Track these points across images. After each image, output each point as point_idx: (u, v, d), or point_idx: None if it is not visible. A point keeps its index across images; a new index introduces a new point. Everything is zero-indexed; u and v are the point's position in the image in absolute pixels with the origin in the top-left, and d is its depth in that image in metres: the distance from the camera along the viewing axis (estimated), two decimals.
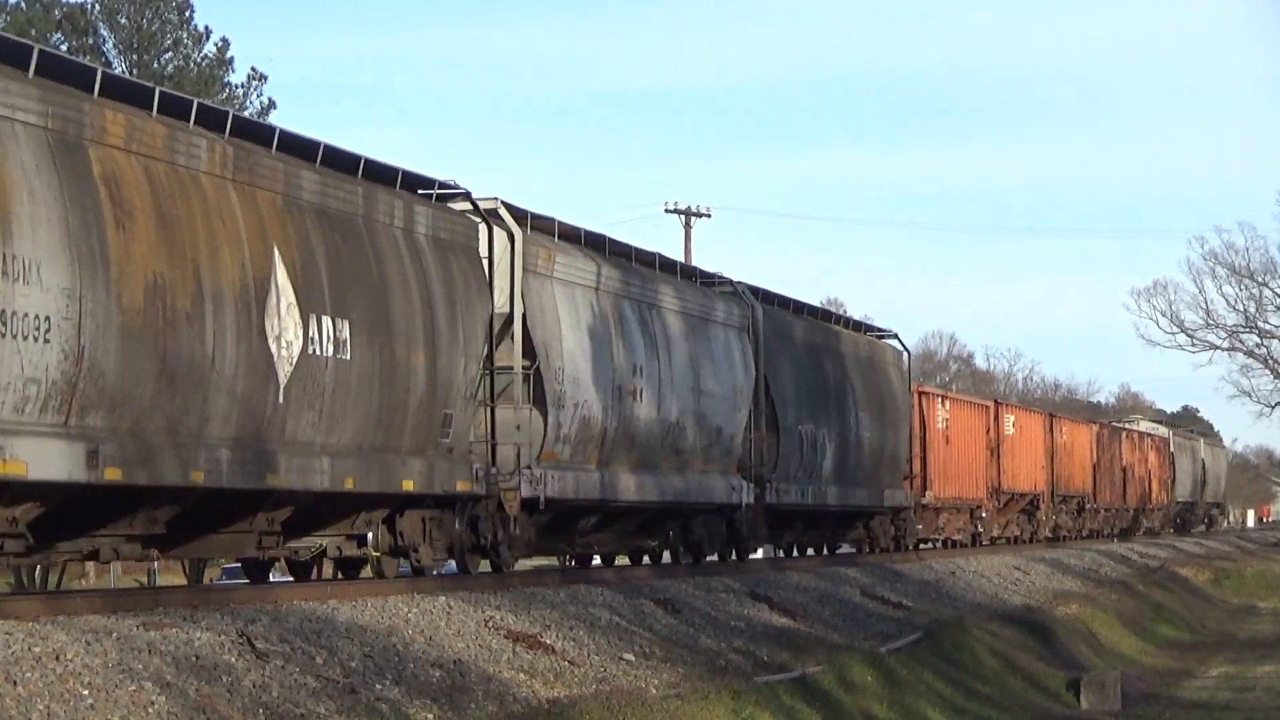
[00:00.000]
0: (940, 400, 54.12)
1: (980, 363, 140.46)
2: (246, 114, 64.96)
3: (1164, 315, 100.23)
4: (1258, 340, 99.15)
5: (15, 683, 14.98)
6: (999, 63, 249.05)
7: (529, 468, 27.15)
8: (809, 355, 40.81)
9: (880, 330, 49.11)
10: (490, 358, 26.50)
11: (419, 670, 19.44)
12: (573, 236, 30.33)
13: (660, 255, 33.88)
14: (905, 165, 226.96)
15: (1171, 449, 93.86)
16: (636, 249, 32.85)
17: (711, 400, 33.77)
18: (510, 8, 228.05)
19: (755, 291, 38.25)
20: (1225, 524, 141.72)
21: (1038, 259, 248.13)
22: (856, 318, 50.60)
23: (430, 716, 18.08)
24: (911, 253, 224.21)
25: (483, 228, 26.72)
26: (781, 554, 44.54)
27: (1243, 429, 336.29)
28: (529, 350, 27.44)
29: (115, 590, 20.43)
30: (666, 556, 35.23)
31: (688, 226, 73.38)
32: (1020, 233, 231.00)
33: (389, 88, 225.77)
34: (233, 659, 17.47)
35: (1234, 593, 67.04)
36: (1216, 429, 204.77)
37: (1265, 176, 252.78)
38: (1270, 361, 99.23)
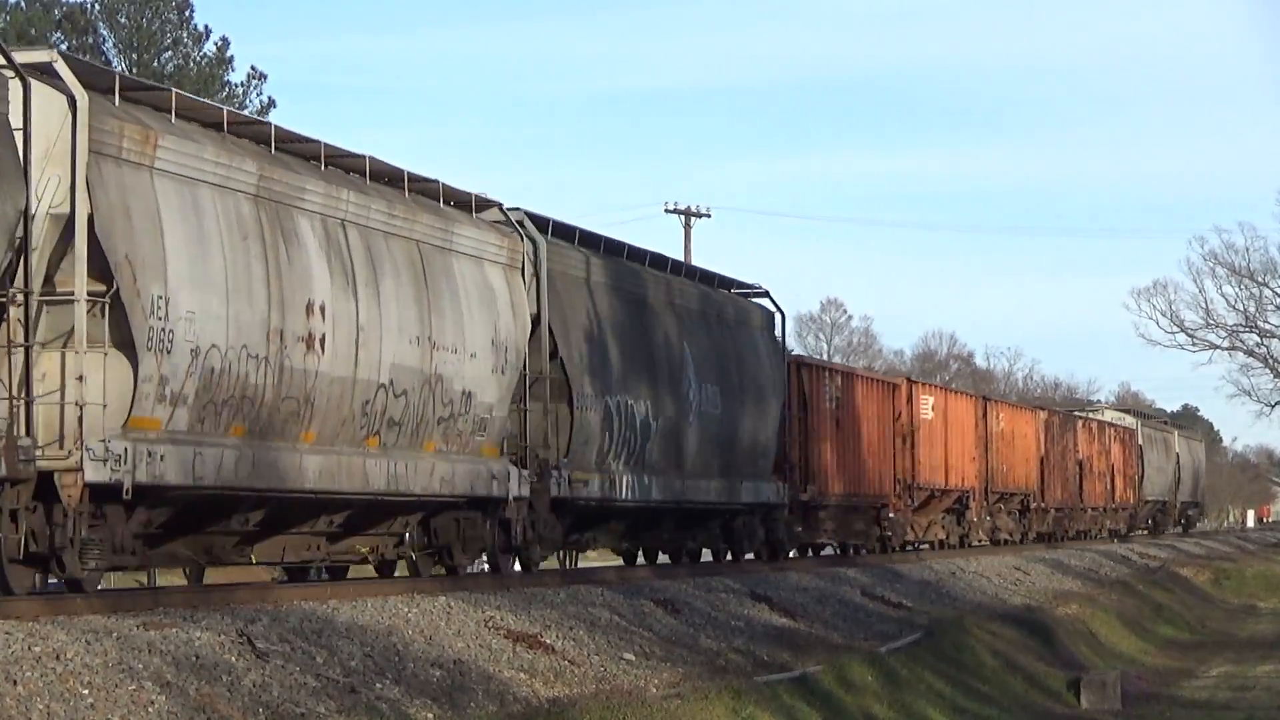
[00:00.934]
0: (826, 375, 44.49)
1: (980, 362, 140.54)
2: (246, 113, 65.13)
3: (1164, 315, 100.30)
4: (1258, 340, 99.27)
5: (15, 682, 14.98)
6: (999, 63, 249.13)
7: (105, 440, 19.41)
8: (625, 309, 31.94)
9: (745, 286, 39.37)
10: (27, 277, 19.21)
11: (419, 670, 19.44)
12: (209, 120, 22.50)
13: (373, 159, 25.09)
14: (905, 165, 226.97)
15: (1140, 441, 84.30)
16: (332, 147, 24.42)
17: (451, 357, 25.87)
18: (510, 8, 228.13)
19: (540, 221, 29.49)
20: (1206, 524, 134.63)
21: (1038, 259, 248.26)
22: (717, 272, 38.94)
23: (430, 716, 18.08)
24: (911, 253, 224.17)
25: (15, 85, 19.29)
26: (609, 563, 36.92)
27: (1243, 429, 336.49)
28: (103, 270, 19.68)
29: (115, 590, 20.37)
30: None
31: (688, 226, 73.43)
32: (1020, 233, 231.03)
33: (389, 88, 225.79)
34: (233, 659, 17.47)
35: (1234, 593, 67.02)
36: (1218, 428, 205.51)
37: (1265, 176, 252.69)
38: (1270, 361, 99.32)
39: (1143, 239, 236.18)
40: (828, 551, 46.01)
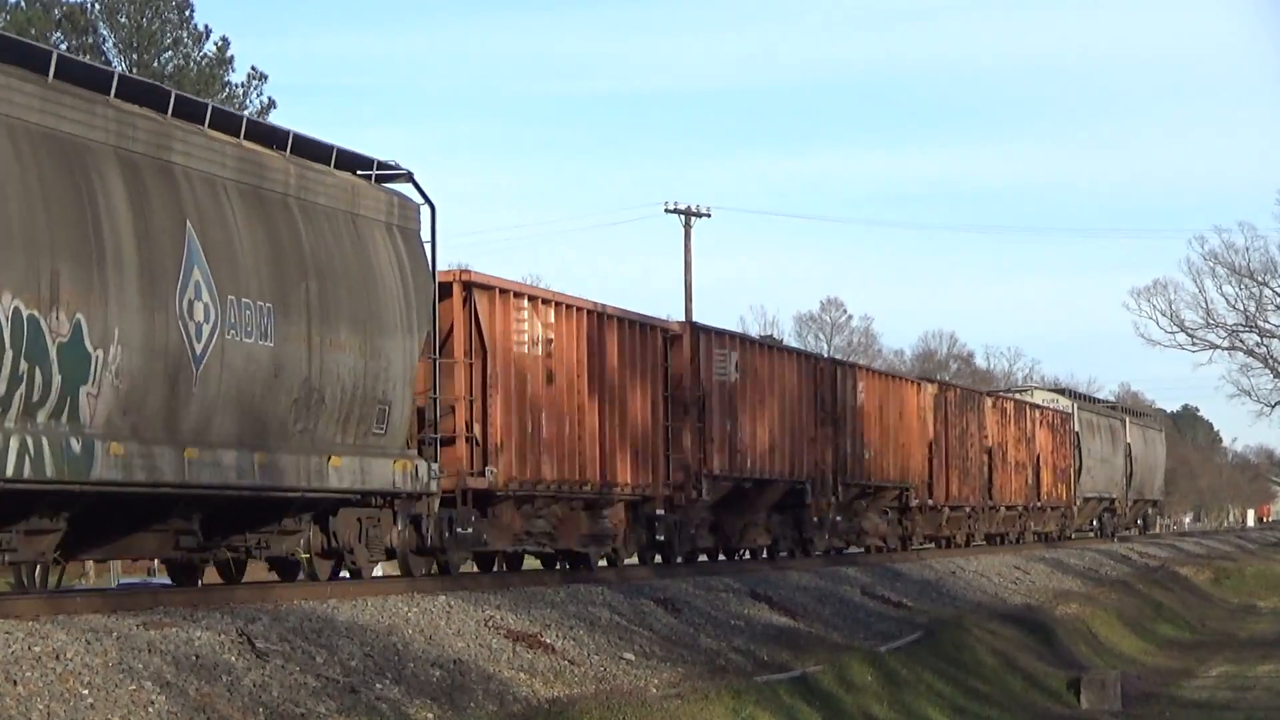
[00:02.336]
0: (523, 304, 29.03)
1: (980, 362, 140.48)
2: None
3: (1164, 315, 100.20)
4: (1258, 339, 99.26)
5: (15, 682, 14.98)
6: (999, 63, 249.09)
7: None
8: (55, 164, 19.06)
9: (360, 160, 25.18)
10: None
11: (419, 670, 19.44)
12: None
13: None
14: (905, 165, 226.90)
15: (1076, 427, 70.89)
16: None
17: None
18: (510, 8, 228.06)
19: None
20: (1169, 526, 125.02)
21: (1038, 259, 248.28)
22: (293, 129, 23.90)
23: (430, 716, 18.08)
24: (911, 253, 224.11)
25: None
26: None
27: (1243, 429, 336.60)
28: None
29: (115, 590, 20.37)
30: None
31: (688, 226, 73.43)
32: (1020, 233, 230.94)
33: (389, 87, 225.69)
34: (233, 658, 17.47)
35: (1234, 592, 67.02)
36: (1218, 428, 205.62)
37: (1265, 176, 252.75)
38: (1270, 361, 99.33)
39: (1143, 239, 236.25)
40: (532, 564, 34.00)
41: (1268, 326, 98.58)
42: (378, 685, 18.39)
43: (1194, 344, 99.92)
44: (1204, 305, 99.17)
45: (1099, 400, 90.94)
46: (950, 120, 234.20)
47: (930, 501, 50.35)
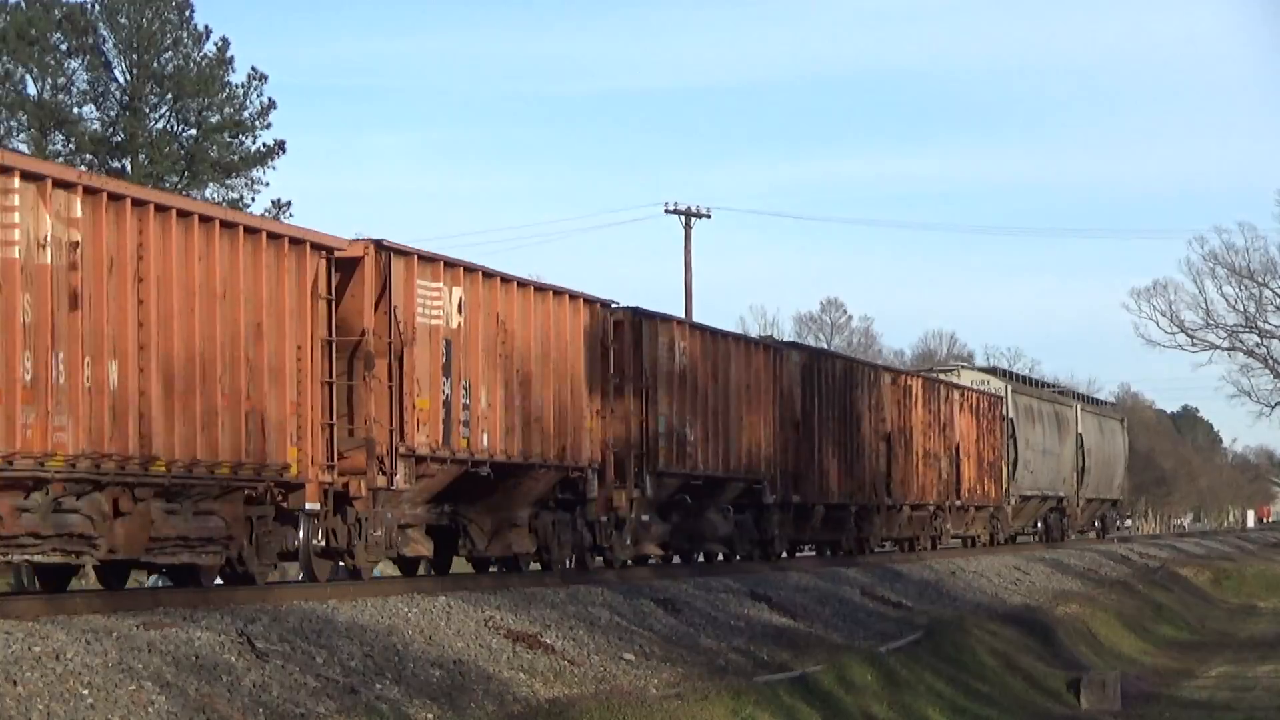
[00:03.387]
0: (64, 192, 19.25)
1: (980, 362, 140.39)
2: (246, 115, 65.32)
3: (1164, 315, 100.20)
4: (1258, 340, 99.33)
5: (15, 683, 14.99)
6: (999, 63, 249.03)
7: None
8: None
9: None
10: None
11: (419, 670, 19.44)
12: None
13: None
14: (905, 165, 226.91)
15: (1010, 413, 59.56)
16: None
17: None
18: (511, 8, 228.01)
19: None
20: (1131, 528, 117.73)
21: (1038, 259, 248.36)
22: None
23: (430, 716, 18.08)
24: (911, 253, 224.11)
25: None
26: None
27: (1243, 429, 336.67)
28: None
29: (115, 590, 20.37)
30: None
31: (688, 226, 73.41)
32: (1020, 233, 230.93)
33: (389, 88, 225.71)
34: (233, 659, 17.47)
35: (1234, 593, 67.03)
36: (1217, 428, 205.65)
37: (1265, 176, 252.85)
38: (1270, 361, 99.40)
39: (1143, 239, 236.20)
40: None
41: (1268, 327, 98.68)
42: (378, 685, 18.39)
43: (1194, 344, 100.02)
44: (1204, 306, 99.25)
45: (1044, 384, 77.95)
46: (951, 120, 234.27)
47: (795, 498, 39.14)
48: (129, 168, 61.07)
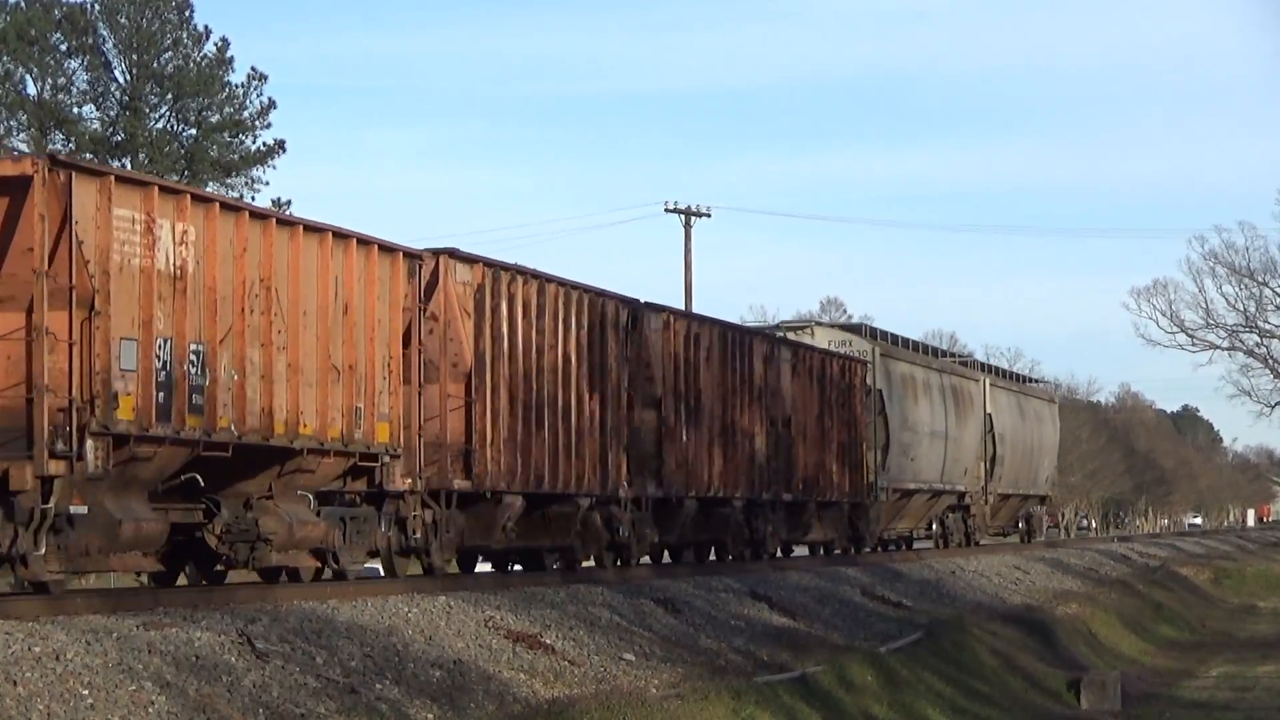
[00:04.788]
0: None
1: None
2: (246, 114, 65.31)
3: (1164, 315, 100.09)
4: (1258, 340, 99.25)
5: (15, 683, 14.98)
6: (1000, 64, 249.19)
7: None
8: None
9: None
10: None
11: (419, 670, 19.44)
12: None
13: None
14: (905, 165, 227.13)
15: (875, 382, 46.39)
16: None
17: None
18: (511, 9, 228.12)
19: None
20: (1059, 531, 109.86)
21: (1038, 259, 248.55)
22: None
23: (430, 716, 18.08)
24: (911, 253, 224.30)
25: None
26: None
27: (1243, 429, 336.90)
28: None
29: (115, 590, 20.36)
30: None
31: (688, 226, 73.45)
32: (1020, 233, 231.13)
33: (389, 88, 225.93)
34: (233, 659, 17.47)
35: (1234, 592, 67.04)
36: (1218, 428, 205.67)
37: (1265, 176, 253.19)
38: (1270, 361, 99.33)
39: (1143, 239, 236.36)
40: None
41: (1268, 326, 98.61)
42: (378, 685, 18.39)
43: (1194, 344, 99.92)
44: (1204, 305, 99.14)
45: (943, 352, 61.62)
46: (951, 121, 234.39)
47: (467, 485, 26.57)
48: (128, 167, 61.22)
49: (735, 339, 36.90)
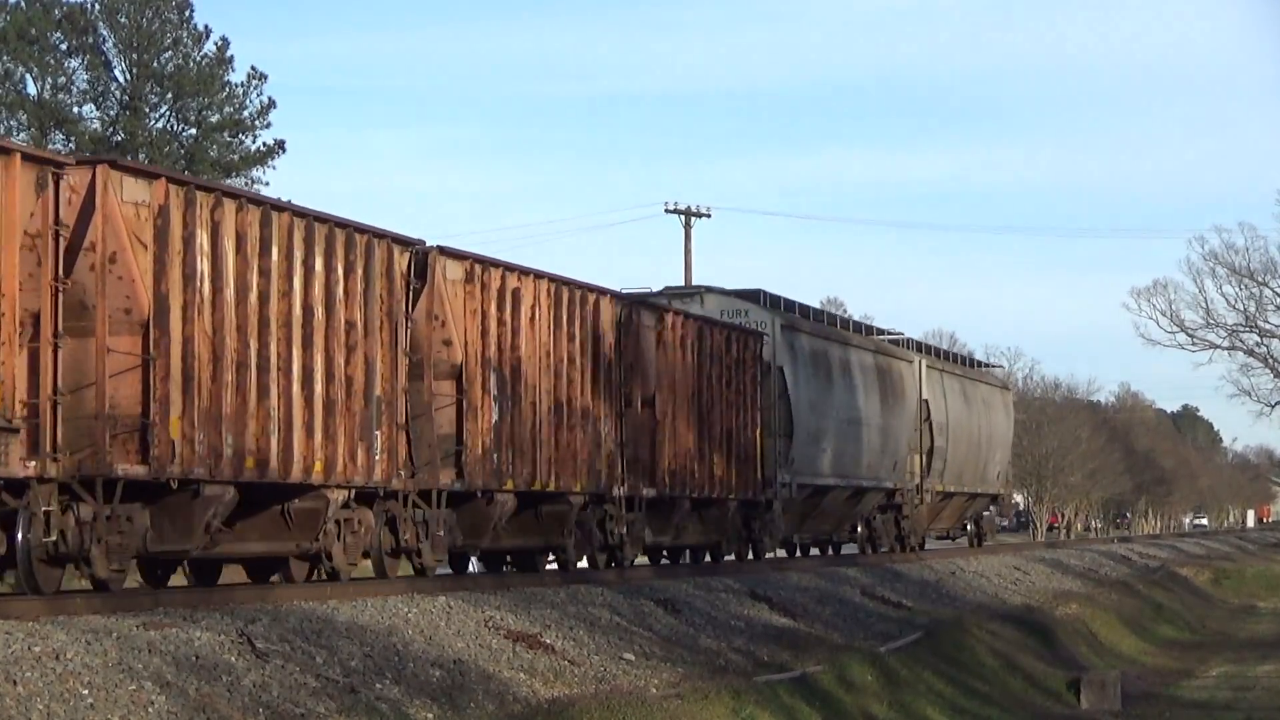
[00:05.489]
0: None
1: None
2: (246, 114, 65.28)
3: (1164, 315, 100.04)
4: (1258, 339, 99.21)
5: (15, 683, 14.98)
6: (1000, 64, 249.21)
7: None
8: None
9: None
10: None
11: (419, 670, 19.45)
12: None
13: None
14: (905, 165, 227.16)
15: (774, 358, 39.13)
16: None
17: None
18: (512, 10, 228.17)
19: None
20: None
21: (1038, 259, 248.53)
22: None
23: (430, 716, 18.08)
24: (911, 253, 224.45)
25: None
26: None
27: (1243, 429, 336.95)
28: None
29: (115, 590, 20.37)
30: None
31: (688, 226, 73.45)
32: (1020, 233, 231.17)
33: (390, 88, 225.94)
34: (233, 659, 17.48)
35: (1234, 593, 67.06)
36: (1218, 428, 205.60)
37: (1265, 176, 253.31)
38: (1270, 361, 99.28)
39: (1143, 239, 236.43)
40: None
41: (1268, 326, 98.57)
42: (378, 685, 18.39)
43: (1194, 344, 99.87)
44: (1204, 305, 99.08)
45: (869, 328, 52.67)
46: (951, 121, 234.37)
47: (142, 471, 20.20)
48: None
49: (574, 298, 29.69)
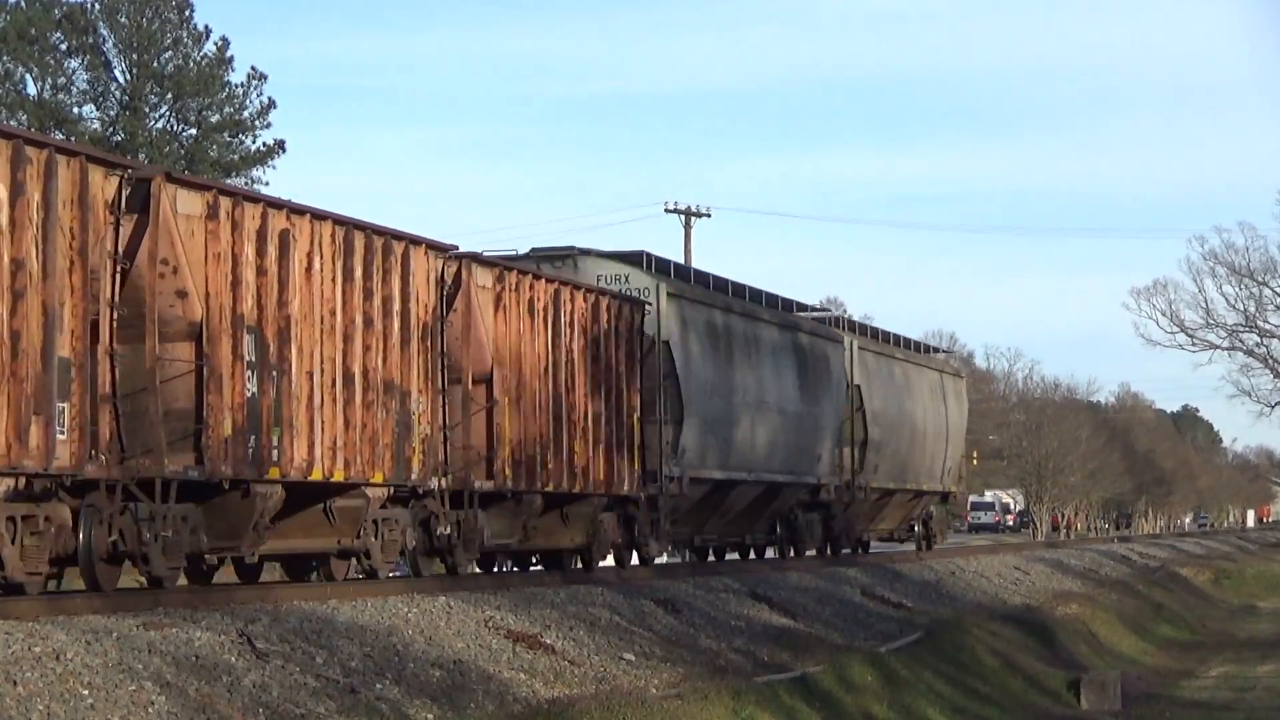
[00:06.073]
0: None
1: (980, 362, 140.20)
2: (246, 114, 65.27)
3: (1164, 315, 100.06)
4: (1258, 340, 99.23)
5: (15, 683, 14.98)
6: (999, 64, 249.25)
7: None
8: None
9: None
10: None
11: (419, 670, 19.44)
12: None
13: None
14: (905, 165, 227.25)
15: (663, 332, 33.58)
16: None
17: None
18: (511, 9, 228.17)
19: None
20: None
21: (1038, 259, 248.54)
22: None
23: (430, 716, 18.08)
24: (912, 253, 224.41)
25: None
26: None
27: (1243, 429, 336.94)
28: None
29: (115, 590, 20.35)
30: None
31: (688, 226, 73.44)
32: (1020, 233, 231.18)
33: (391, 88, 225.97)
34: (233, 659, 17.47)
35: (1234, 593, 67.06)
36: (1218, 428, 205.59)
37: (1265, 176, 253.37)
38: (1270, 361, 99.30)
39: (1143, 239, 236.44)
40: None
41: (1268, 326, 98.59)
42: (378, 685, 18.38)
43: (1194, 344, 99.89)
44: (1204, 305, 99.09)
45: (789, 304, 42.48)
46: (951, 121, 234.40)
47: None
48: None
49: (372, 246, 24.33)
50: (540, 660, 21.68)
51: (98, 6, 64.45)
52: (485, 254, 29.05)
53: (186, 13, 65.13)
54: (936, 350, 59.75)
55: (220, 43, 65.32)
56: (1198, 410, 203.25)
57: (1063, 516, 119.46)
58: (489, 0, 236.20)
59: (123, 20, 64.28)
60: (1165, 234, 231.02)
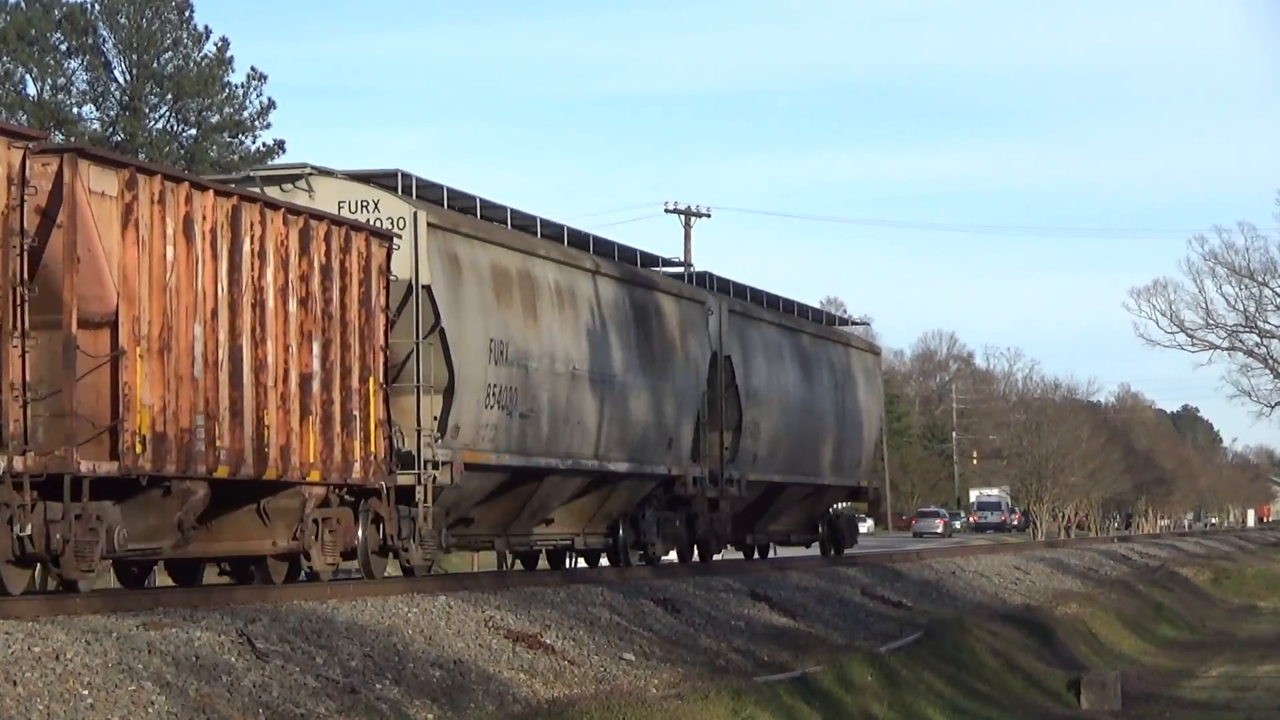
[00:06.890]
0: None
1: (980, 362, 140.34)
2: (246, 115, 65.28)
3: (1164, 315, 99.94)
4: (1258, 340, 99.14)
5: (15, 683, 14.98)
6: (999, 65, 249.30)
7: None
8: None
9: None
10: None
11: (419, 670, 19.44)
12: None
13: None
14: (905, 165, 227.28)
15: (422, 275, 26.23)
16: None
17: None
18: (511, 9, 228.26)
19: None
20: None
21: (1038, 259, 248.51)
22: None
23: (430, 716, 18.08)
24: (911, 253, 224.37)
25: None
26: None
27: (1243, 429, 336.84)
28: None
29: (115, 590, 20.34)
30: None
31: (688, 226, 73.47)
32: (1020, 233, 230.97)
33: (391, 88, 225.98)
34: (233, 659, 17.47)
35: (1234, 592, 67.03)
36: (1218, 428, 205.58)
37: (1265, 176, 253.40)
38: (1270, 361, 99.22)
39: (1143, 239, 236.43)
40: None
41: (1268, 326, 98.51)
42: (378, 685, 18.38)
43: (1194, 344, 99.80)
44: (1204, 305, 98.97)
45: (634, 254, 34.55)
46: (951, 121, 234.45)
47: None
48: None
49: None
50: (540, 660, 21.68)
51: (98, 7, 64.49)
52: (109, 152, 21.67)
53: (186, 13, 65.21)
54: (845, 322, 50.09)
55: (220, 43, 65.40)
56: (1198, 410, 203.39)
57: (1062, 516, 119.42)
58: (489, 0, 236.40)
59: (123, 21, 64.32)
60: (1165, 234, 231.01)
